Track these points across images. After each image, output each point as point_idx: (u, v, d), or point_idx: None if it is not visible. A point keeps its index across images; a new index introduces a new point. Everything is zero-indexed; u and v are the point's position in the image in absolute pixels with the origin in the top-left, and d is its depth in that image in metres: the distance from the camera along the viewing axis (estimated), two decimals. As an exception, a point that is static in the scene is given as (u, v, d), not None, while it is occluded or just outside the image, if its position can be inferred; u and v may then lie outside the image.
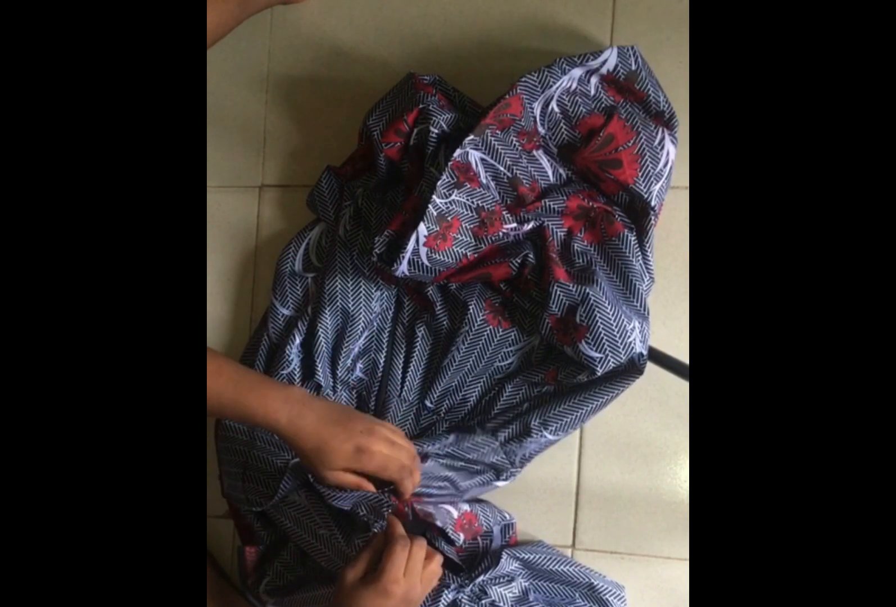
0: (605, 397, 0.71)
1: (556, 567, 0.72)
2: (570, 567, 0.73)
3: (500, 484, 0.75)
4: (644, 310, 0.71)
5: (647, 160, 0.70)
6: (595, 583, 0.73)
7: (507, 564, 0.69)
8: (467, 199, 0.69)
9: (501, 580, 0.69)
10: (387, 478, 0.62)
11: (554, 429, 0.72)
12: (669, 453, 0.75)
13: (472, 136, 0.68)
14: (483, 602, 0.68)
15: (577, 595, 0.72)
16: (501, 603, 0.68)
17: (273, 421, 0.60)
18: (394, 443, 0.62)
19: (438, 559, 0.61)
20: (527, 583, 0.71)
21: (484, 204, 0.70)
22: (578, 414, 0.71)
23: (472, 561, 0.71)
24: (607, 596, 0.73)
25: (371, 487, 0.63)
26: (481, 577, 0.68)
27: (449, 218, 0.68)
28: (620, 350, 0.67)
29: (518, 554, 0.71)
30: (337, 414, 0.62)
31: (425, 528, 0.68)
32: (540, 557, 0.72)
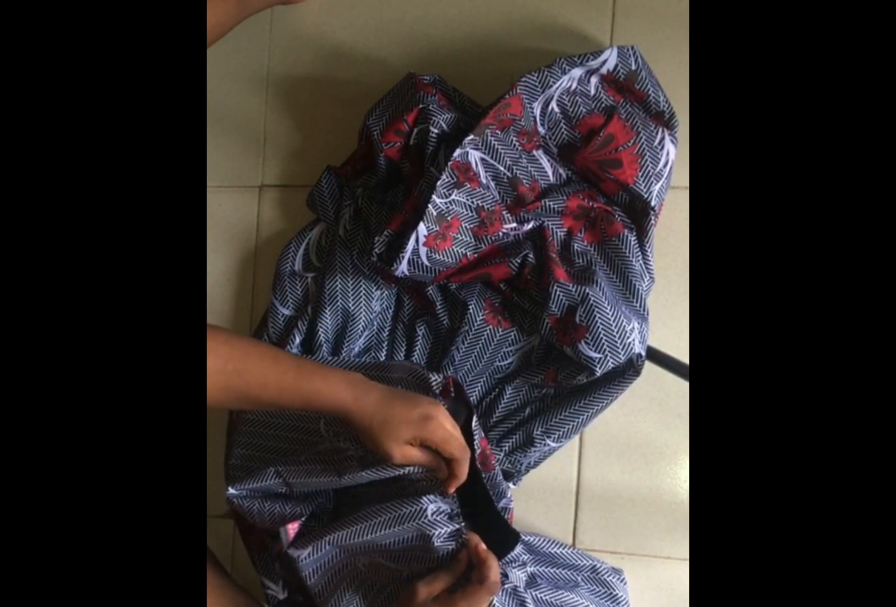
0: (604, 401, 0.72)
1: (555, 549, 0.73)
2: (569, 549, 0.73)
3: (511, 485, 0.76)
4: (643, 310, 0.71)
5: (647, 160, 0.70)
6: (597, 565, 0.73)
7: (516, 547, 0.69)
8: (467, 199, 0.69)
9: (516, 562, 0.69)
10: (447, 454, 0.61)
11: (556, 436, 0.73)
12: (669, 453, 0.75)
13: (472, 136, 0.68)
14: (506, 586, 0.67)
15: (580, 578, 0.72)
16: (519, 586, 0.68)
17: (339, 400, 0.59)
18: (455, 425, 0.61)
19: None
20: (532, 569, 0.71)
21: (484, 204, 0.70)
22: (579, 420, 0.72)
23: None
24: (610, 577, 0.73)
25: (441, 465, 0.61)
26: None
27: (449, 218, 0.68)
28: (620, 350, 0.67)
29: (522, 537, 0.71)
30: (401, 391, 0.62)
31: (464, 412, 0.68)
32: (539, 540, 0.73)
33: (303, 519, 0.74)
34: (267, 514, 0.74)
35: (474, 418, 0.68)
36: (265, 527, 0.76)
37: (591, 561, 0.73)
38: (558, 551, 0.73)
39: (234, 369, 0.56)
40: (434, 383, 0.67)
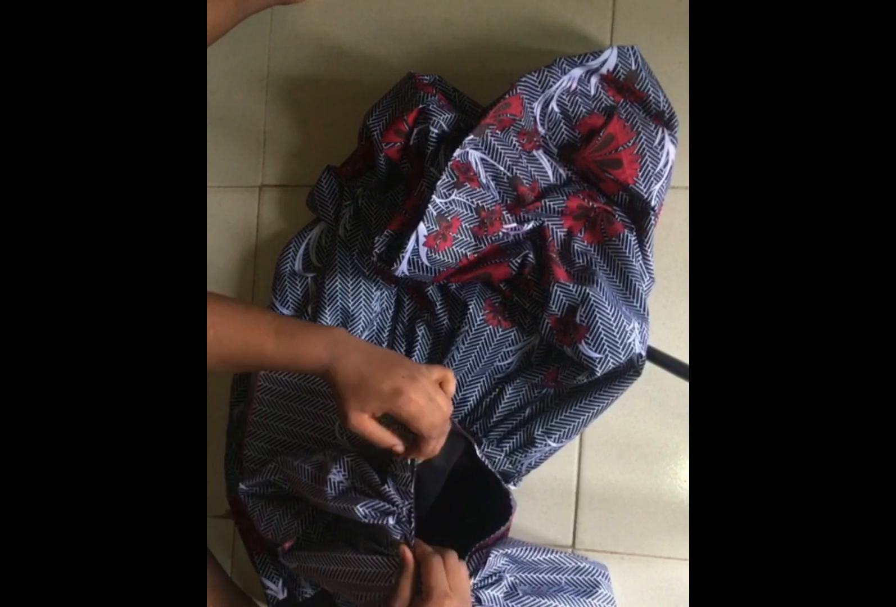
0: (605, 402, 0.72)
1: (538, 556, 0.72)
2: (552, 555, 0.72)
3: (511, 487, 0.76)
4: (644, 310, 0.71)
5: (647, 160, 0.70)
6: (581, 565, 0.72)
7: (496, 561, 0.69)
8: (467, 199, 0.69)
9: (490, 580, 0.68)
10: (415, 430, 0.59)
11: (557, 436, 0.73)
12: (669, 453, 0.75)
13: (472, 136, 0.68)
14: None
15: (563, 581, 0.72)
16: (494, 604, 0.68)
17: (316, 360, 0.58)
18: (432, 399, 0.59)
19: (463, 568, 0.62)
20: (512, 578, 0.70)
21: (484, 204, 0.70)
22: (580, 420, 0.72)
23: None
24: (597, 576, 0.72)
25: (395, 441, 0.60)
26: (471, 581, 0.66)
27: (449, 218, 0.68)
28: (620, 350, 0.67)
29: (502, 550, 0.71)
30: (381, 356, 0.60)
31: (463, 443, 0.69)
32: (521, 550, 0.72)
33: (298, 536, 0.75)
34: (265, 521, 0.75)
35: (476, 448, 0.69)
36: (263, 536, 0.76)
37: (575, 563, 0.72)
38: (541, 558, 0.72)
39: (215, 336, 0.55)
40: None
